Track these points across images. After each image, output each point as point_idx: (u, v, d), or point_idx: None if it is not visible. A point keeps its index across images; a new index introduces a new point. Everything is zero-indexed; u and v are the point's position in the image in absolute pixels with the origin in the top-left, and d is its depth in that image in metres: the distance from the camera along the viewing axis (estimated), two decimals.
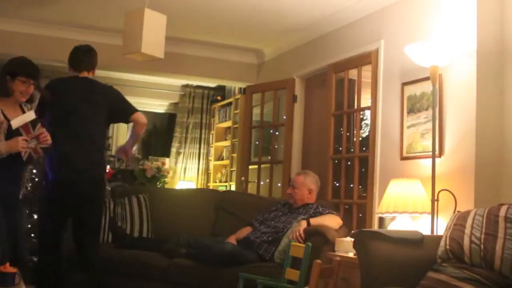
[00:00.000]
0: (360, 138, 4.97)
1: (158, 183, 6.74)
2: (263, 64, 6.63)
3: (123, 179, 6.84)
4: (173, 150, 8.30)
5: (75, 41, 6.03)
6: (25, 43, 5.87)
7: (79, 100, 3.68)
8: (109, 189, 5.84)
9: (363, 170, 4.68)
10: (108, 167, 6.24)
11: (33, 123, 3.28)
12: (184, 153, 8.27)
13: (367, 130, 5.09)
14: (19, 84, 3.29)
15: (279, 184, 5.85)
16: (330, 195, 4.87)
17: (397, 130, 4.18)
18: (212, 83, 7.97)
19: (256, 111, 6.38)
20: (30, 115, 3.30)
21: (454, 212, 3.22)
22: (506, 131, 3.56)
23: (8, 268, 2.83)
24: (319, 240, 3.66)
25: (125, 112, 3.79)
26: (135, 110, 3.81)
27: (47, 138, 3.29)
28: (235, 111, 7.49)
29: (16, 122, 3.24)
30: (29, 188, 5.69)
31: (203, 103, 8.42)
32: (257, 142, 6.39)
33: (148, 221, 4.57)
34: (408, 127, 4.08)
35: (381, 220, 4.19)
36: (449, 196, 3.52)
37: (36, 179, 5.66)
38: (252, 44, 6.33)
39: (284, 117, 5.92)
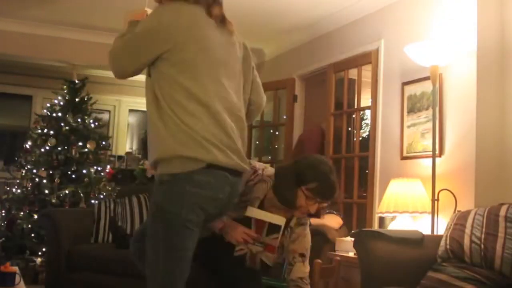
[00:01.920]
0: (360, 138, 4.97)
1: None
2: (263, 64, 6.62)
3: (123, 179, 6.83)
4: None
5: (75, 41, 6.10)
6: (25, 43, 5.88)
7: None
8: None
9: (363, 170, 4.68)
10: (108, 167, 6.24)
11: (272, 229, 2.54)
12: None
13: (367, 130, 5.09)
14: (301, 197, 2.47)
15: None
16: None
17: (397, 129, 4.18)
18: None
19: None
20: (278, 219, 2.53)
21: (454, 211, 3.22)
22: (506, 130, 3.56)
23: (8, 268, 2.83)
24: (319, 239, 3.66)
25: None
26: None
27: (272, 255, 2.55)
28: None
29: (253, 211, 2.53)
30: (29, 188, 5.69)
31: None
32: (257, 142, 6.38)
33: None
34: (408, 126, 4.07)
35: (381, 220, 4.19)
36: (449, 195, 3.52)
37: (37, 179, 5.65)
38: (252, 43, 6.29)
39: (284, 117, 5.91)
